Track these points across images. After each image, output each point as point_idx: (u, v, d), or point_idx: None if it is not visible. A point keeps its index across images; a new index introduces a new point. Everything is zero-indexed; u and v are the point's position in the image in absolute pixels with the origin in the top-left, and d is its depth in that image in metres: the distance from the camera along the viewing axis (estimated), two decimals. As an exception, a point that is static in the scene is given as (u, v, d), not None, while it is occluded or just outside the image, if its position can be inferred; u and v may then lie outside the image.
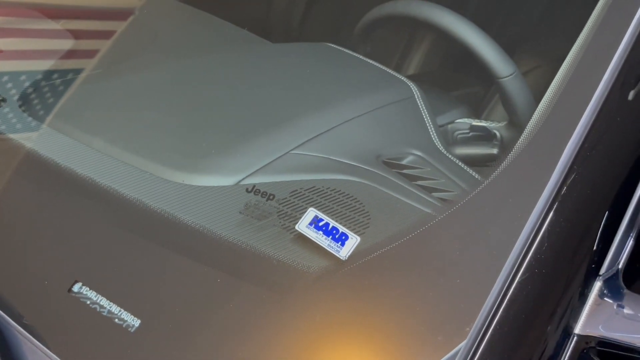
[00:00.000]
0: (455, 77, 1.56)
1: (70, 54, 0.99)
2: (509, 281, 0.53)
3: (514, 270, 0.53)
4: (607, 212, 0.60)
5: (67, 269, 0.63)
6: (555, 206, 0.56)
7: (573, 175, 0.57)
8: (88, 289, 0.61)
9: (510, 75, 1.04)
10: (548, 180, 0.57)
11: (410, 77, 1.81)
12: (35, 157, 0.74)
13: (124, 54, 1.00)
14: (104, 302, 0.60)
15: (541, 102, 0.67)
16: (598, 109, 0.61)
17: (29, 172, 0.74)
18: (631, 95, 0.65)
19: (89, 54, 1.02)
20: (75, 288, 0.61)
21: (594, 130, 0.60)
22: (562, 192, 0.57)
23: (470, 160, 1.00)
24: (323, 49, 1.07)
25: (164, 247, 0.63)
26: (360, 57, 1.04)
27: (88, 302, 0.60)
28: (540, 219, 0.55)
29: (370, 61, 1.02)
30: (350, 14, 1.71)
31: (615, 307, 0.56)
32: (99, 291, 0.60)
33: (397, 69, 1.75)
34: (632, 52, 0.65)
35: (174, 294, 0.60)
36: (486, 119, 1.13)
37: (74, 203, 0.69)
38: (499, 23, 1.59)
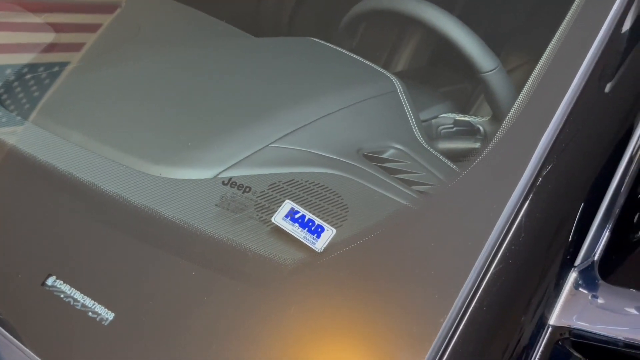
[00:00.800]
0: (444, 74, 1.56)
1: (49, 48, 0.98)
2: (483, 272, 0.53)
3: (488, 261, 0.53)
4: (583, 203, 0.60)
5: (41, 262, 0.63)
6: (530, 197, 0.56)
7: (549, 167, 0.57)
8: (62, 282, 0.60)
9: (493, 69, 1.04)
10: (524, 172, 0.57)
11: (398, 74, 1.81)
12: (11, 151, 0.73)
13: (104, 48, 0.99)
14: (77, 295, 0.59)
15: (520, 96, 0.67)
16: (574, 101, 0.62)
17: (4, 165, 0.73)
18: (608, 87, 0.65)
19: (70, 47, 1.01)
20: (49, 281, 0.61)
21: (570, 122, 0.60)
22: (538, 183, 0.57)
23: (454, 155, 1.00)
24: (306, 43, 1.07)
25: (139, 240, 0.62)
26: (343, 51, 1.04)
27: (62, 296, 0.59)
28: (516, 210, 0.55)
29: (353, 55, 1.02)
30: (340, 10, 1.70)
31: (590, 298, 0.56)
32: (72, 284, 0.60)
33: (386, 65, 1.75)
34: (609, 45, 0.65)
35: (148, 287, 0.59)
36: (474, 115, 1.14)
37: (49, 196, 0.69)
38: (487, 20, 1.59)
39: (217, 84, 0.89)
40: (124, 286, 0.60)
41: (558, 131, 0.59)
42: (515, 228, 0.55)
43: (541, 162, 0.57)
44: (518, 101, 0.65)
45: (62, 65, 0.93)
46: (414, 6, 1.07)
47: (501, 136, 0.62)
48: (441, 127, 1.10)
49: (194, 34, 1.07)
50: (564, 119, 0.60)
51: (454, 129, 1.09)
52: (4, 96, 0.85)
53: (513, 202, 0.56)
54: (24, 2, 1.09)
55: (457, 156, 1.02)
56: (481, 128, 1.09)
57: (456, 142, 1.07)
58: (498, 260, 0.53)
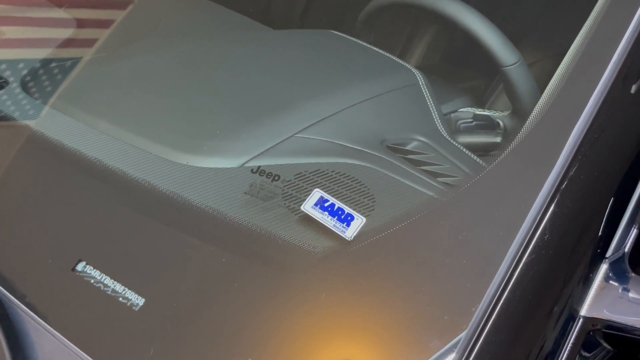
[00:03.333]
0: (457, 70, 1.55)
1: (73, 40, 0.98)
2: (515, 262, 0.53)
3: (520, 251, 0.53)
4: (612, 197, 0.60)
5: (71, 248, 0.63)
6: (561, 189, 0.56)
7: (579, 160, 0.57)
8: (92, 268, 0.61)
9: (515, 63, 1.04)
10: (554, 164, 0.57)
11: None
12: (40, 139, 0.74)
13: (128, 39, 0.99)
14: (107, 281, 0.59)
15: (546, 90, 0.67)
16: (603, 97, 0.61)
17: (34, 153, 0.73)
18: (634, 88, 0.65)
19: (92, 39, 1.01)
20: (79, 267, 0.61)
21: (599, 117, 0.60)
22: (569, 176, 0.56)
23: (474, 149, 0.99)
24: (327, 35, 1.07)
25: (169, 227, 0.63)
26: (364, 43, 1.03)
27: (92, 281, 0.60)
28: (547, 201, 0.55)
29: (374, 48, 1.02)
30: (352, 5, 1.70)
31: (620, 291, 0.56)
32: (103, 270, 0.60)
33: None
34: (635, 46, 0.64)
35: (178, 274, 0.59)
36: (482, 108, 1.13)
37: (78, 183, 0.69)
38: (501, 16, 1.58)
39: (241, 75, 0.90)
40: (153, 272, 0.60)
41: (588, 125, 0.59)
42: (547, 219, 0.55)
43: (571, 155, 0.57)
44: (545, 96, 0.65)
45: (85, 55, 0.94)
46: (434, 0, 1.07)
47: (530, 129, 0.61)
48: (460, 122, 1.10)
49: (215, 26, 1.07)
50: (593, 114, 0.60)
51: (473, 123, 1.09)
52: (30, 85, 0.85)
53: (544, 194, 0.55)
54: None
55: (477, 150, 1.01)
56: (501, 122, 1.09)
57: (476, 137, 1.07)
58: (530, 250, 0.53)
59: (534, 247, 0.54)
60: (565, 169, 0.57)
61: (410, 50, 1.70)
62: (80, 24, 1.04)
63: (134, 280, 0.59)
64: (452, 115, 1.10)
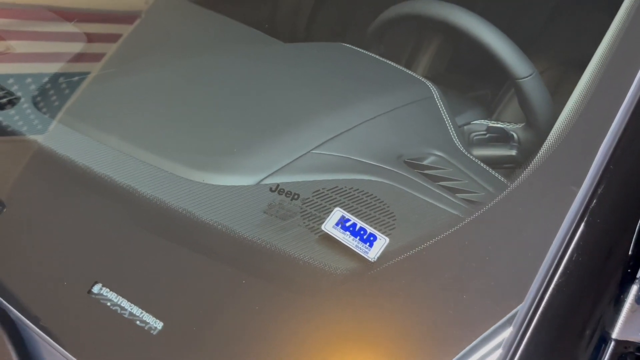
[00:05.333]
0: (463, 80, 1.54)
1: (83, 55, 0.98)
2: (545, 284, 0.51)
3: (549, 274, 0.52)
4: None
5: (86, 269, 0.62)
6: (591, 207, 0.54)
7: (608, 177, 0.56)
8: (108, 290, 0.59)
9: (529, 75, 1.03)
10: (582, 182, 0.55)
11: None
12: (53, 156, 0.73)
13: (139, 53, 0.98)
14: (125, 303, 0.58)
15: (569, 103, 0.65)
16: (631, 111, 0.60)
17: (47, 171, 0.72)
18: None
19: (102, 53, 1.01)
20: (95, 289, 0.60)
21: (628, 132, 0.59)
22: (598, 193, 0.55)
23: (488, 162, 0.98)
24: (338, 48, 1.06)
25: (186, 247, 0.61)
26: (376, 56, 1.03)
27: (109, 304, 0.58)
28: (576, 221, 0.54)
29: (387, 61, 1.01)
30: (357, 16, 1.70)
31: (652, 311, 0.55)
32: (119, 292, 0.59)
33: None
34: None
35: (197, 296, 0.58)
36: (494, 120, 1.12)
37: (93, 203, 0.68)
38: (505, 26, 1.58)
39: (253, 90, 0.89)
40: (172, 294, 0.59)
41: (616, 141, 0.57)
42: (577, 239, 0.53)
43: (600, 171, 0.56)
44: (570, 109, 0.64)
45: (95, 71, 0.93)
46: (447, 12, 1.06)
47: (556, 145, 0.60)
48: (474, 134, 1.09)
49: (225, 39, 1.06)
50: (622, 128, 0.59)
51: (487, 135, 1.07)
52: (42, 101, 0.84)
53: (573, 212, 0.54)
54: (56, 10, 1.09)
55: (492, 164, 1.00)
56: (515, 135, 1.07)
57: (491, 150, 1.06)
58: (560, 272, 0.52)
59: (564, 268, 0.52)
60: (594, 186, 0.55)
61: (416, 60, 1.70)
62: (90, 38, 1.04)
63: (151, 303, 0.58)
64: (465, 127, 1.09)
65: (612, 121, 0.59)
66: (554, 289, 0.51)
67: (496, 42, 1.03)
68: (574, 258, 0.53)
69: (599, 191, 0.55)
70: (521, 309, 0.50)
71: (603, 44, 0.68)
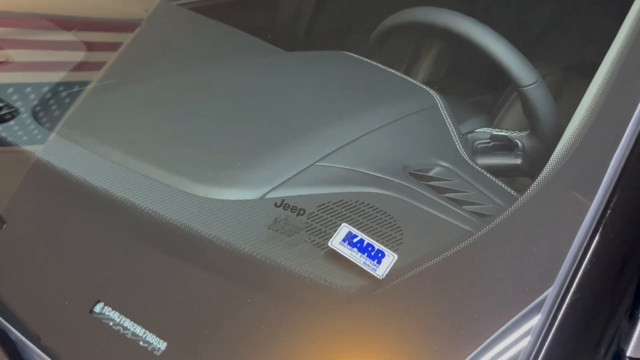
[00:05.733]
0: (464, 85, 1.54)
1: (83, 65, 0.96)
2: (559, 301, 0.50)
3: (563, 290, 0.51)
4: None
5: (88, 288, 0.60)
6: (604, 221, 0.53)
7: (621, 188, 0.55)
8: (111, 309, 0.58)
9: (534, 83, 1.02)
10: (595, 194, 0.54)
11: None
12: (52, 170, 0.72)
13: (139, 63, 0.97)
14: (127, 323, 0.57)
15: (580, 112, 0.64)
16: None
17: (47, 186, 0.71)
18: None
19: (103, 63, 0.99)
20: (97, 309, 0.58)
21: None
22: (611, 206, 0.54)
23: (494, 171, 0.97)
24: (340, 57, 1.05)
25: (189, 264, 0.60)
26: (380, 65, 1.02)
27: (111, 324, 0.57)
28: (589, 235, 0.53)
29: (390, 69, 1.00)
30: (357, 23, 1.69)
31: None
32: (122, 312, 0.57)
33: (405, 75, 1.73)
34: None
35: (201, 315, 0.57)
36: (498, 128, 1.11)
37: (94, 218, 0.67)
38: (505, 32, 1.57)
39: (256, 101, 0.87)
40: (176, 314, 0.57)
41: (630, 149, 0.56)
42: (590, 254, 0.52)
43: (613, 183, 0.55)
44: (580, 118, 0.62)
45: (96, 81, 0.92)
46: (451, 19, 1.05)
47: (568, 156, 0.59)
48: (477, 142, 1.08)
49: (226, 49, 1.05)
50: (634, 137, 0.57)
51: (491, 144, 1.06)
52: (42, 114, 0.83)
53: (586, 226, 0.53)
54: (55, 19, 1.08)
55: (497, 173, 0.99)
56: (519, 143, 1.06)
57: (495, 158, 1.04)
58: (574, 289, 0.51)
59: (578, 285, 0.51)
60: (606, 199, 0.54)
61: (417, 65, 1.69)
62: (90, 47, 1.02)
63: (155, 322, 0.57)
64: (469, 135, 1.08)
65: (624, 131, 0.58)
66: (567, 307, 0.50)
67: (500, 50, 1.02)
68: (588, 274, 0.52)
69: (613, 203, 0.54)
70: (534, 329, 0.49)
71: (613, 50, 0.67)
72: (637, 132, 0.58)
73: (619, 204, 0.54)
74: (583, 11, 1.45)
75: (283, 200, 0.65)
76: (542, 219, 0.55)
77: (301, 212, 0.63)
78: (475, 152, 1.06)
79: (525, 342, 0.49)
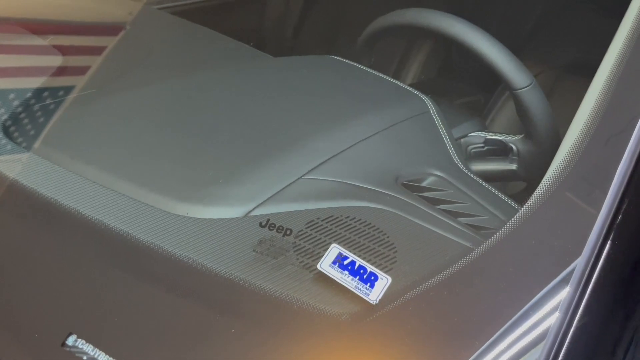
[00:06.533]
0: (455, 86, 1.51)
1: (58, 73, 0.92)
2: (565, 326, 0.47)
3: (570, 313, 0.47)
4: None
5: (59, 319, 0.56)
6: (612, 236, 0.50)
7: (628, 200, 0.51)
8: (84, 342, 0.54)
9: (528, 86, 0.99)
10: (601, 207, 0.51)
11: (416, 85, 1.74)
12: (19, 189, 0.67)
13: (117, 72, 0.93)
14: (102, 357, 0.53)
15: (580, 115, 0.60)
16: None
17: (12, 206, 0.66)
18: None
19: (79, 71, 0.95)
20: (70, 341, 0.54)
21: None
22: (618, 220, 0.50)
23: (488, 177, 0.94)
24: (329, 62, 1.01)
25: (170, 291, 0.56)
26: (369, 70, 0.98)
27: (84, 358, 0.53)
28: (596, 253, 0.49)
29: (380, 74, 0.96)
30: (345, 25, 1.66)
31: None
32: (96, 344, 0.53)
33: (395, 78, 1.70)
34: None
35: (182, 346, 0.53)
36: (490, 129, 1.08)
37: (65, 242, 0.62)
38: (495, 31, 1.55)
39: (240, 110, 0.84)
40: (154, 345, 0.53)
41: (636, 157, 0.53)
42: (597, 273, 0.49)
43: (620, 194, 0.51)
44: (581, 125, 0.59)
45: (72, 92, 0.87)
46: (442, 21, 1.02)
47: (571, 166, 0.56)
48: (471, 147, 1.05)
49: (210, 55, 1.01)
50: (639, 149, 0.54)
51: (485, 148, 1.03)
52: (12, 128, 0.79)
53: (592, 242, 0.49)
54: (28, 24, 1.03)
55: (491, 178, 0.96)
56: (514, 147, 1.03)
57: (490, 164, 1.01)
58: (580, 314, 0.47)
59: (585, 308, 0.48)
60: (613, 212, 0.51)
61: (407, 66, 1.66)
62: (71, 51, 0.98)
63: (132, 355, 0.53)
64: (463, 140, 1.04)
65: (630, 137, 0.54)
66: (575, 331, 0.47)
67: (493, 52, 0.99)
68: (595, 295, 0.48)
69: (620, 216, 0.51)
70: (542, 354, 0.46)
71: (613, 51, 0.64)
72: None
73: (627, 215, 0.51)
74: (572, 9, 1.43)
75: (268, 220, 0.61)
76: (547, 233, 0.52)
77: (288, 232, 0.60)
78: (469, 157, 1.03)
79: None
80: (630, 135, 0.53)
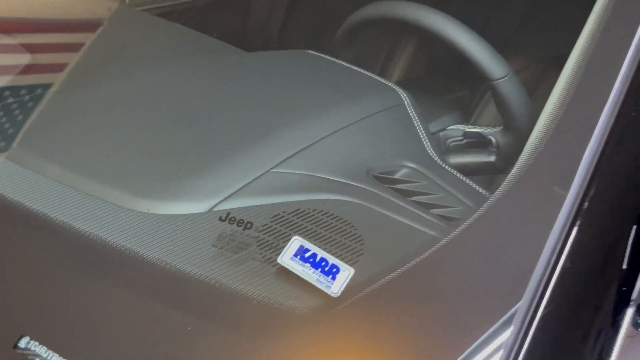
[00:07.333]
0: (442, 82, 1.50)
1: (23, 70, 0.90)
2: (530, 315, 0.45)
3: (535, 301, 0.46)
4: (635, 226, 0.53)
5: (11, 320, 0.54)
6: (578, 223, 0.48)
7: (594, 187, 0.50)
8: (37, 344, 0.52)
9: (505, 76, 0.98)
10: (567, 194, 0.49)
11: (396, 83, 1.73)
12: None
13: (84, 69, 0.91)
14: (56, 359, 0.51)
15: (549, 105, 0.59)
16: (616, 113, 0.54)
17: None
18: None
19: (46, 69, 0.93)
20: (22, 343, 0.52)
21: (613, 136, 0.53)
22: (584, 207, 0.49)
23: (467, 170, 0.93)
24: (303, 56, 1.00)
25: (127, 290, 0.54)
26: (343, 63, 0.97)
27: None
28: (561, 241, 0.48)
29: (355, 67, 0.95)
30: (331, 22, 1.64)
31: (651, 338, 0.49)
32: (50, 346, 0.51)
33: (382, 74, 1.69)
34: None
35: (140, 346, 0.51)
36: (475, 124, 1.07)
37: (19, 240, 0.60)
38: (481, 26, 1.54)
39: (210, 105, 0.82)
40: (110, 345, 0.51)
41: (602, 146, 0.52)
42: (563, 262, 0.47)
43: (586, 181, 0.50)
44: (549, 113, 0.58)
45: (35, 89, 0.85)
46: (417, 13, 1.01)
47: (536, 153, 0.54)
48: (450, 140, 1.04)
49: (182, 51, 1.00)
50: (607, 133, 0.53)
51: (464, 141, 1.02)
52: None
53: (558, 230, 0.48)
54: (13, 21, 1.01)
55: (470, 171, 0.94)
56: (493, 139, 1.02)
57: (469, 156, 1.00)
58: (546, 302, 0.46)
59: (551, 296, 0.46)
60: (579, 199, 0.49)
61: (393, 63, 1.65)
62: (35, 51, 0.96)
63: (87, 356, 0.51)
64: (442, 133, 1.03)
65: (595, 126, 0.53)
66: (540, 321, 0.45)
67: (469, 43, 0.98)
68: (560, 285, 0.47)
69: (586, 203, 0.49)
70: (505, 346, 0.44)
71: (580, 41, 0.63)
72: (610, 125, 0.53)
73: (595, 200, 0.50)
74: (557, 3, 1.42)
75: (228, 214, 0.59)
76: (513, 221, 0.50)
77: (248, 225, 0.58)
78: (448, 150, 1.02)
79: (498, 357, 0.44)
80: (590, 135, 0.52)
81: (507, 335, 0.45)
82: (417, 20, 1.00)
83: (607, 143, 0.52)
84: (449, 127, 1.03)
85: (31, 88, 0.85)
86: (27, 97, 0.83)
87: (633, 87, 0.56)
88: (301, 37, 1.65)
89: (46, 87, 0.85)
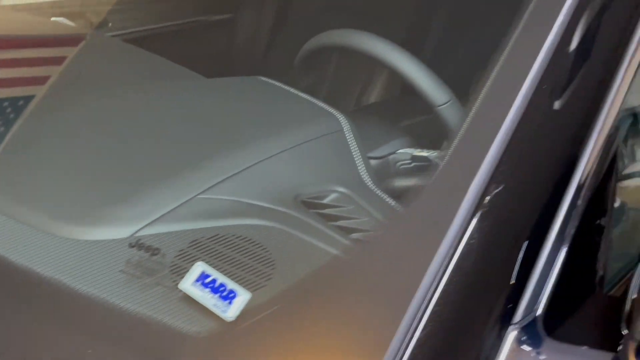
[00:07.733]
0: (416, 104, 1.52)
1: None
2: (408, 338, 0.47)
3: (413, 325, 0.47)
4: (526, 242, 0.54)
5: None
6: (460, 247, 0.50)
7: (487, 200, 0.52)
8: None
9: (447, 102, 1.01)
10: (455, 214, 0.51)
11: (364, 107, 1.76)
12: None
13: (42, 97, 0.94)
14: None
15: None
16: (518, 120, 0.55)
17: None
18: (557, 104, 0.59)
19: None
20: None
21: (507, 154, 0.54)
22: (470, 229, 0.51)
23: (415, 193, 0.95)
24: (252, 82, 1.03)
25: (30, 311, 0.55)
26: (292, 90, 0.99)
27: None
28: (446, 262, 0.49)
29: (301, 94, 0.97)
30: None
31: (533, 356, 0.50)
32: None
33: (360, 97, 1.72)
34: (556, 57, 0.58)
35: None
36: (433, 148, 1.09)
37: None
38: (463, 50, 1.56)
39: (152, 130, 0.84)
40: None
41: (498, 160, 0.53)
42: (445, 283, 0.49)
43: (478, 197, 0.51)
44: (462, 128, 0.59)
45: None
46: (363, 41, 1.04)
47: (433, 177, 0.56)
48: (399, 163, 1.06)
49: (139, 77, 1.02)
50: (508, 139, 0.54)
51: (412, 164, 1.05)
52: None
53: (443, 252, 0.50)
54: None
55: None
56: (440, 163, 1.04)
57: (413, 179, 1.02)
58: (425, 322, 0.47)
59: (431, 316, 0.48)
60: (466, 222, 0.51)
61: (371, 86, 1.68)
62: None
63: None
64: (391, 157, 1.06)
65: (497, 132, 0.54)
66: (417, 343, 0.47)
67: (412, 71, 1.01)
68: (440, 306, 0.48)
69: (478, 215, 0.51)
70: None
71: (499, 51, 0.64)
72: (511, 132, 0.54)
73: (487, 216, 0.51)
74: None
75: (138, 240, 0.61)
76: (402, 243, 0.52)
77: (156, 251, 0.60)
78: (398, 173, 1.04)
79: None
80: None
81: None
82: (362, 49, 1.04)
83: (501, 160, 0.53)
84: (399, 151, 1.06)
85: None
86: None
87: (538, 96, 0.57)
88: (285, 58, 1.69)
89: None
